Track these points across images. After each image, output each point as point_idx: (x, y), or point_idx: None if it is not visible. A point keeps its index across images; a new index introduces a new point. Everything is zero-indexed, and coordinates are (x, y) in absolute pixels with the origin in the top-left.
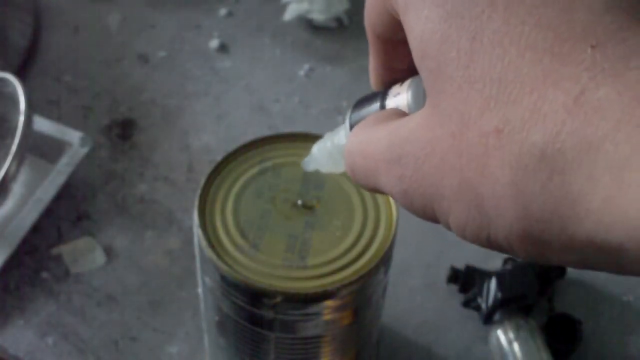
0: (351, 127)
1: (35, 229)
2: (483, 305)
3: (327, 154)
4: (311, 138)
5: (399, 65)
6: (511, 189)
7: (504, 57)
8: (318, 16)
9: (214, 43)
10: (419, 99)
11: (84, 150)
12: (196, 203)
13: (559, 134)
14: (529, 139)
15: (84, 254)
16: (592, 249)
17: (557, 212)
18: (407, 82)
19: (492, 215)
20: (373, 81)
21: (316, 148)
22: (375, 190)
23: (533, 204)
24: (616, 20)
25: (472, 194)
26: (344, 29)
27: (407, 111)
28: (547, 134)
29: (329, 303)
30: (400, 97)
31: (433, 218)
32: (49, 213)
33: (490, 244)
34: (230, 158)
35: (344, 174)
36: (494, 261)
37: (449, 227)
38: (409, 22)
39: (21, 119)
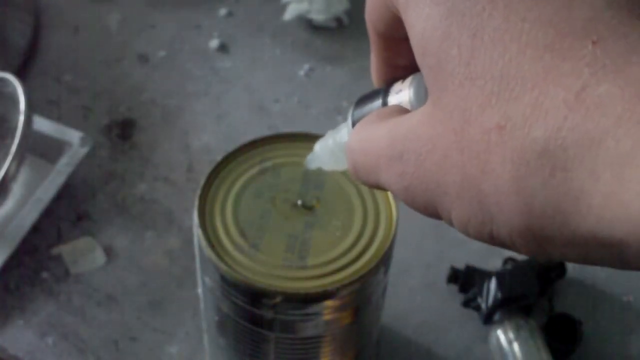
0: (353, 124)
1: (35, 229)
2: (483, 305)
3: (329, 152)
4: (311, 138)
5: (401, 62)
6: (513, 185)
7: (505, 53)
8: (318, 16)
9: (214, 43)
10: (421, 96)
11: (84, 150)
12: (196, 203)
13: (560, 129)
14: (530, 135)
15: (84, 254)
16: (594, 244)
17: (559, 208)
18: (409, 79)
19: (494, 211)
20: (375, 78)
21: (318, 146)
22: (376, 187)
23: (535, 200)
24: (617, 16)
25: (474, 191)
26: (344, 29)
27: (408, 108)
28: (549, 130)
29: (329, 303)
30: (402, 94)
31: (435, 215)
32: (49, 213)
33: (493, 240)
34: (230, 158)
35: (344, 173)
36: (494, 261)
37: (451, 224)
38: (409, 19)
39: (21, 119)
